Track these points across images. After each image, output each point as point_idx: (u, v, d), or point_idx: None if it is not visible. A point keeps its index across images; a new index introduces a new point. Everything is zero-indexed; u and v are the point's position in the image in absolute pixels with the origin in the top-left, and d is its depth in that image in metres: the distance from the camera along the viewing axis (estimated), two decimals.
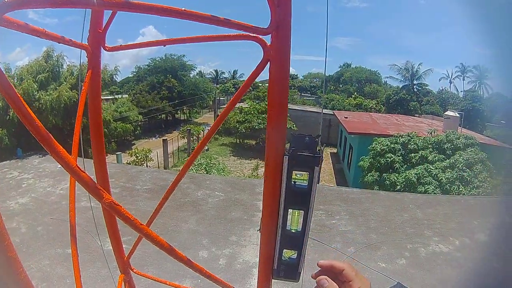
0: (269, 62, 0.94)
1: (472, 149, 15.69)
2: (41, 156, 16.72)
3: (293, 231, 1.07)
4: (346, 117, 26.87)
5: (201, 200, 12.19)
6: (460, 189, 14.14)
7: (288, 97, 0.99)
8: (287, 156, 0.96)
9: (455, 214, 11.04)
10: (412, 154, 16.41)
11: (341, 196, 12.61)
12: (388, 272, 7.90)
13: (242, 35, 0.96)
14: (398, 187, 14.96)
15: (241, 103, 44.07)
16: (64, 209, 11.02)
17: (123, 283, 1.63)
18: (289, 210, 1.04)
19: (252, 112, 30.17)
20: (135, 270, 1.66)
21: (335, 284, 0.97)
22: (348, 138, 23.35)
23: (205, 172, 18.63)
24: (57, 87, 20.72)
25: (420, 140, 17.02)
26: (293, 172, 0.99)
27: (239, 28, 0.87)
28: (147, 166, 22.89)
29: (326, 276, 0.98)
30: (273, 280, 1.18)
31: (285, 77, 0.94)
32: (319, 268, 1.01)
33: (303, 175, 0.99)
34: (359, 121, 26.39)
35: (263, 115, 29.29)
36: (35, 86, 19.73)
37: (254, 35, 0.92)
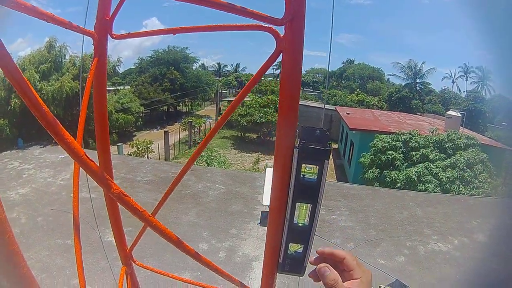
0: (281, 54, 0.91)
1: (473, 149, 15.68)
2: (42, 146, 16.75)
3: (300, 225, 1.03)
4: (348, 113, 26.81)
5: (202, 193, 12.22)
6: (460, 189, 14.14)
7: None
8: (297, 149, 0.93)
9: (455, 214, 11.05)
10: (413, 152, 16.41)
11: (341, 191, 12.63)
12: (386, 269, 7.92)
13: (255, 25, 0.92)
14: (398, 184, 14.97)
15: None
16: (64, 200, 11.06)
17: (124, 275, 1.61)
18: (297, 203, 1.01)
19: (254, 105, 30.13)
20: (137, 262, 1.63)
21: (336, 273, 0.93)
22: (350, 134, 23.33)
23: (206, 165, 18.64)
24: (59, 78, 20.69)
25: (422, 139, 17.01)
26: (302, 165, 0.97)
27: (254, 17, 0.84)
28: (148, 157, 22.88)
29: (327, 264, 0.95)
30: (277, 274, 1.14)
31: (298, 69, 0.91)
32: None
33: (313, 168, 0.96)
34: (361, 117, 26.33)
35: (265, 109, 29.42)
36: (37, 76, 19.75)
37: (268, 25, 0.89)
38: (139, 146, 23.65)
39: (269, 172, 10.65)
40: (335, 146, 30.72)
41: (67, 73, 21.15)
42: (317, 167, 0.95)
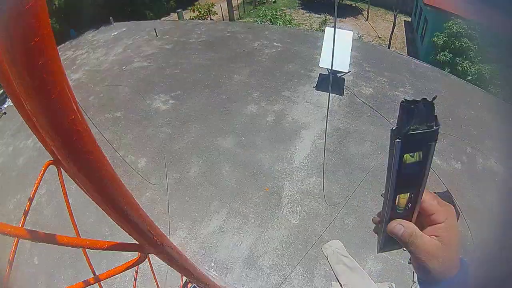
0: None
1: None
2: (95, 29, 15.61)
3: (399, 211, 0.66)
4: None
5: (257, 51, 11.09)
6: None
7: None
8: (400, 141, 0.59)
9: None
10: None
11: (409, 67, 10.84)
12: (441, 172, 6.81)
13: None
14: (469, 77, 12.67)
15: None
16: (116, 73, 10.63)
17: None
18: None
19: None
20: None
21: (411, 224, 0.63)
22: (424, 10, 19.69)
23: (270, 24, 16.88)
24: None
25: None
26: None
27: None
28: (210, 20, 21.18)
29: (400, 220, 0.63)
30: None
31: None
32: None
33: (415, 154, 0.62)
34: None
35: None
36: None
37: None
38: (200, 10, 21.55)
39: (328, 32, 9.04)
40: (408, 19, 26.52)
41: None
42: (421, 152, 0.62)
